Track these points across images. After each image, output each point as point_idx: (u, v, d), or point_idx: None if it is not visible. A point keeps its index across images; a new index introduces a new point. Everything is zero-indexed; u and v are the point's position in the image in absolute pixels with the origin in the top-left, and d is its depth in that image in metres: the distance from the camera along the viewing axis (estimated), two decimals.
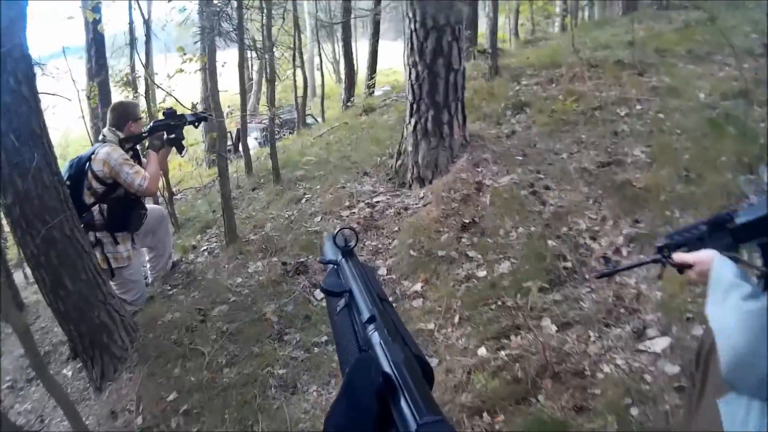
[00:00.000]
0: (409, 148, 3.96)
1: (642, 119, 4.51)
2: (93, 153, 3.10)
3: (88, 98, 5.47)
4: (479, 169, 3.84)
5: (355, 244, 0.74)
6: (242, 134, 5.54)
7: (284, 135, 8.80)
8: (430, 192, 3.71)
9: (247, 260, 3.65)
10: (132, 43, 4.73)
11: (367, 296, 0.61)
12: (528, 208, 3.42)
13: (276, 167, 4.72)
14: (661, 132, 4.24)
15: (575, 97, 4.99)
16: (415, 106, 3.83)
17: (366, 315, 0.57)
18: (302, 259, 3.47)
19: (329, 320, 0.73)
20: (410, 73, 3.79)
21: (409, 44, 3.71)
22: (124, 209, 3.18)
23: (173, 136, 3.39)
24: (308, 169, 4.89)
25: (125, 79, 4.74)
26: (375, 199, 3.93)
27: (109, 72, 6.00)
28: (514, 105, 5.10)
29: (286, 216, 4.08)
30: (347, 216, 3.87)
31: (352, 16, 10.57)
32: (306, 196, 4.33)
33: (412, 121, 3.87)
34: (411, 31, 3.67)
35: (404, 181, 4.05)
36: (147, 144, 3.42)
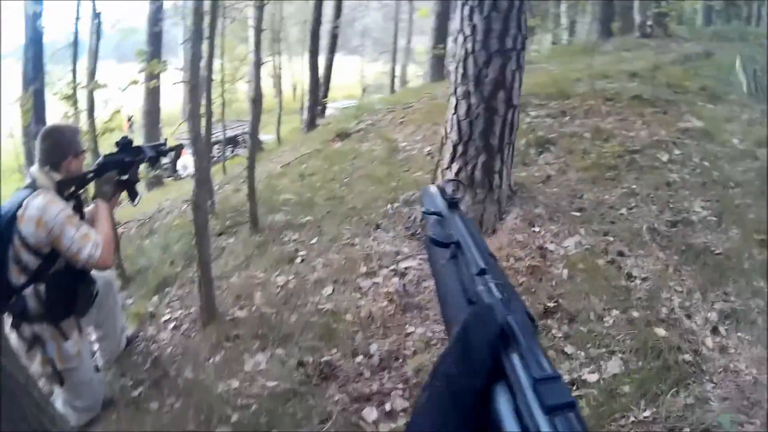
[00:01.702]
0: None
1: (687, 167, 4.65)
2: (19, 207, 2.46)
3: (22, 109, 4.68)
4: (536, 229, 3.66)
5: (462, 197, 0.84)
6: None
7: (230, 154, 8.53)
8: None
9: (239, 351, 3.13)
10: (75, 42, 4.08)
11: (478, 250, 0.68)
12: (613, 283, 3.28)
13: (254, 212, 4.26)
14: (714, 183, 4.39)
15: (605, 137, 5.08)
16: (460, 148, 3.56)
17: (477, 267, 0.64)
18: (326, 357, 3.00)
19: (431, 269, 0.82)
20: (457, 106, 3.54)
21: (461, 69, 3.46)
22: (67, 288, 2.60)
23: (126, 177, 2.88)
24: (290, 212, 4.48)
25: (65, 92, 4.02)
26: (403, 265, 3.57)
27: (46, 79, 5.31)
28: (536, 142, 5.05)
29: (280, 283, 3.62)
30: (369, 287, 3.48)
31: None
32: (300, 253, 3.90)
33: (455, 167, 3.60)
34: (466, 53, 3.43)
35: None
36: (95, 190, 2.83)
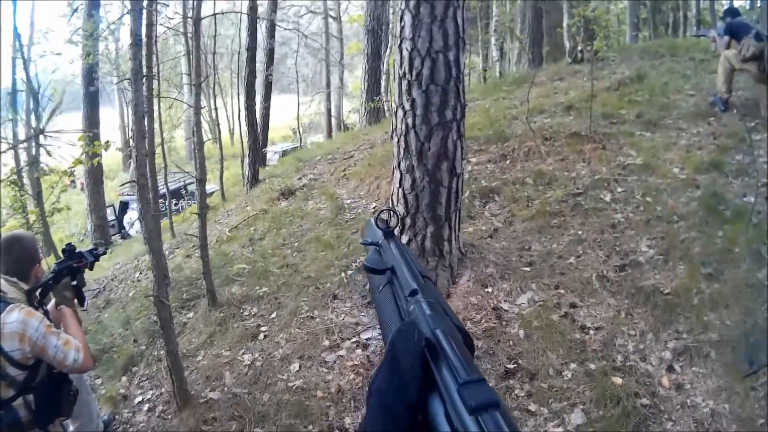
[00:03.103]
0: None
1: (630, 204, 5.26)
2: None
3: None
4: (488, 290, 4.16)
5: (396, 225, 0.97)
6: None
7: (175, 208, 8.95)
8: None
9: None
10: (14, 119, 4.35)
11: (409, 272, 0.80)
12: (568, 337, 3.79)
13: (211, 288, 4.64)
14: (659, 219, 5.00)
15: (547, 180, 5.69)
16: (408, 220, 4.04)
17: (409, 288, 0.75)
18: None
19: (372, 296, 0.94)
20: (402, 180, 4.02)
21: (403, 143, 3.95)
22: (54, 393, 2.89)
23: (75, 282, 3.20)
24: (245, 282, 4.89)
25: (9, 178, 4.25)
26: (365, 336, 4.00)
27: None
28: (480, 192, 5.62)
29: (247, 362, 4.02)
30: (335, 361, 3.89)
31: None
32: (262, 329, 4.31)
33: (404, 238, 4.06)
34: (406, 128, 3.92)
35: None
36: (56, 297, 3.14)
